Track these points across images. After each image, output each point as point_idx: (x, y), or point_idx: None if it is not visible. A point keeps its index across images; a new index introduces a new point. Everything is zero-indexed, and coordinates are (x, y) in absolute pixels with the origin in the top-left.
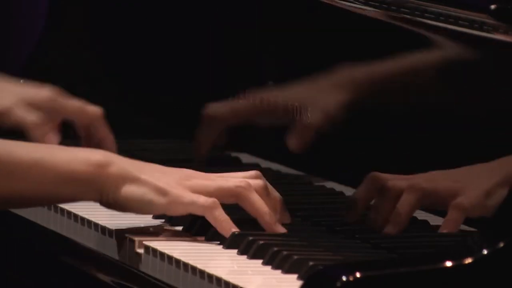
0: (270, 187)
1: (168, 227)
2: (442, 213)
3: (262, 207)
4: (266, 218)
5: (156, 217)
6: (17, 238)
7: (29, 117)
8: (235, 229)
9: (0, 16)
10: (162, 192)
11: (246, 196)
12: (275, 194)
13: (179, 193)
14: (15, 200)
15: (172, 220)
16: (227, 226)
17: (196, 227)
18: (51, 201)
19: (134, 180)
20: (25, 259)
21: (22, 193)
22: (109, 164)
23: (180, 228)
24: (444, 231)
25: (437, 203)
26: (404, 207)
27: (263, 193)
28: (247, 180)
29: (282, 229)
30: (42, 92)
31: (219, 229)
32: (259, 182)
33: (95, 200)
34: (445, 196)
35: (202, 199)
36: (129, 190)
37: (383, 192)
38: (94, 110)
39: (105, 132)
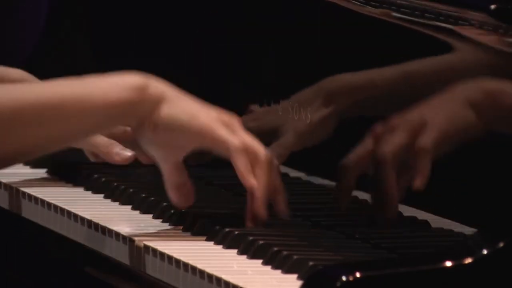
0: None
1: (167, 226)
2: (442, 213)
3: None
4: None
5: (155, 217)
6: (18, 238)
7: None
8: (253, 180)
9: (0, 16)
10: (196, 117)
11: (265, 168)
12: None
13: (213, 124)
14: (64, 139)
15: (171, 220)
16: (247, 174)
17: (196, 227)
18: (97, 132)
19: (171, 101)
20: (25, 259)
21: (73, 129)
22: (146, 85)
23: (179, 228)
24: (419, 180)
25: (410, 151)
26: (392, 141)
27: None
28: (271, 156)
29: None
30: None
31: (239, 174)
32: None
33: (136, 125)
34: (410, 144)
35: (235, 140)
36: (165, 110)
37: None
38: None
39: None
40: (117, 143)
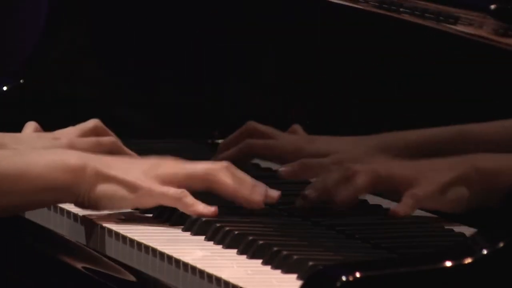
0: (235, 169)
1: (167, 226)
2: (442, 213)
3: (232, 184)
4: (240, 193)
5: (155, 216)
6: (17, 238)
7: None
8: (208, 208)
9: (0, 16)
10: (132, 187)
11: (215, 179)
12: (242, 174)
13: (149, 186)
14: (7, 207)
15: (171, 220)
16: (198, 208)
17: (196, 227)
18: (34, 208)
19: (105, 178)
20: (24, 258)
21: (8, 203)
22: (84, 167)
23: (179, 227)
24: (394, 214)
25: (391, 190)
26: (354, 187)
27: (230, 172)
28: (214, 164)
29: (259, 197)
30: (59, 143)
31: (192, 214)
32: (223, 163)
33: (72, 202)
34: (399, 184)
35: (172, 191)
36: (102, 189)
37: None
38: (107, 140)
39: (126, 154)
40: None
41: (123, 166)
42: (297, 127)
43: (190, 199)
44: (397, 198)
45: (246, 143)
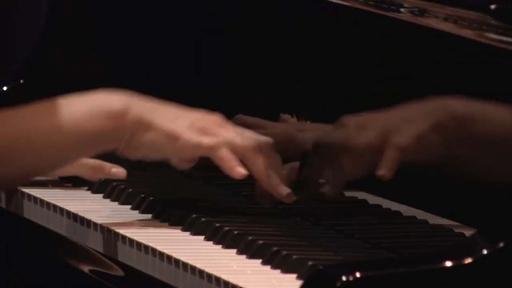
0: (273, 156)
1: (166, 226)
2: (442, 213)
3: (264, 169)
4: (267, 180)
5: (154, 216)
6: (16, 238)
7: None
8: (240, 169)
9: (0, 16)
10: (172, 136)
11: (251, 158)
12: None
13: (186, 136)
14: (43, 169)
15: (170, 219)
16: (231, 164)
17: (195, 227)
18: (77, 158)
19: (148, 125)
20: (24, 258)
21: (49, 161)
22: (126, 112)
23: (179, 227)
24: (381, 171)
25: (375, 153)
26: (338, 170)
27: (267, 154)
28: (257, 140)
29: (286, 190)
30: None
31: (224, 168)
32: (267, 141)
33: (113, 149)
34: (378, 146)
35: (206, 140)
36: (144, 137)
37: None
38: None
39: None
40: None
41: (168, 115)
42: (286, 116)
43: (224, 152)
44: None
45: (238, 117)
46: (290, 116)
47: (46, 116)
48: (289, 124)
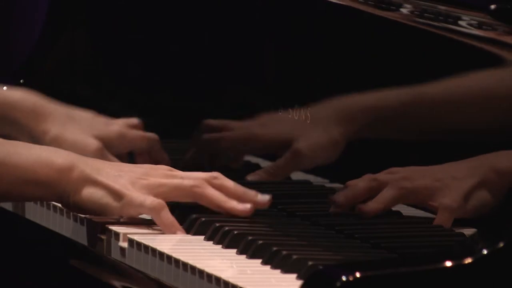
0: (227, 180)
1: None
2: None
3: (219, 198)
4: (226, 206)
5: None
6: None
7: None
8: (180, 231)
9: (0, 16)
10: (117, 195)
11: (202, 194)
12: (230, 183)
13: (131, 194)
14: None
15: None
16: (172, 227)
17: (195, 226)
18: (15, 199)
19: (93, 183)
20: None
21: None
22: (71, 168)
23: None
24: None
25: (416, 201)
26: (382, 199)
27: (219, 184)
28: (201, 176)
29: (245, 207)
30: (112, 128)
31: (164, 230)
32: (212, 175)
33: (57, 202)
34: (424, 195)
35: (148, 201)
36: (88, 193)
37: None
38: (153, 136)
39: (162, 154)
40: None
41: (112, 173)
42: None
43: (165, 214)
44: (416, 206)
45: (199, 140)
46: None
47: (5, 147)
48: (251, 122)
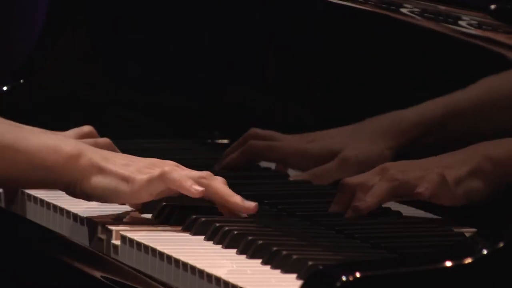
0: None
1: (166, 226)
2: (442, 213)
3: (224, 190)
4: (231, 199)
5: (154, 216)
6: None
7: None
8: (197, 186)
9: (0, 16)
10: (126, 179)
11: (208, 185)
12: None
13: (139, 178)
14: None
15: (170, 219)
16: (187, 184)
17: (195, 226)
18: (21, 185)
19: (100, 170)
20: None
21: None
22: (78, 155)
23: (178, 227)
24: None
25: (410, 194)
26: (376, 193)
27: (207, 184)
28: (208, 172)
29: (249, 205)
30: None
31: (181, 189)
32: (202, 174)
33: (63, 189)
34: (416, 186)
35: (156, 171)
36: (96, 180)
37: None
38: (104, 141)
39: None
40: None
41: (120, 162)
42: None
43: (176, 174)
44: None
45: (249, 144)
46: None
47: (4, 131)
48: (300, 136)
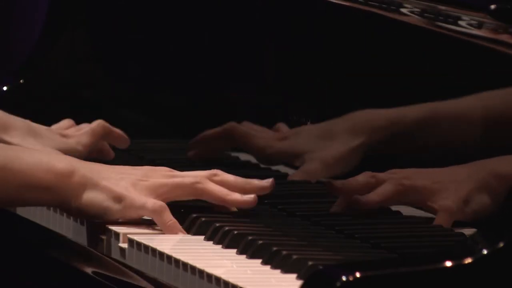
0: (223, 174)
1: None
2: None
3: (220, 192)
4: (228, 199)
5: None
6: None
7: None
8: (182, 232)
9: (0, 16)
10: (118, 198)
11: (203, 189)
12: (231, 177)
13: (132, 197)
14: None
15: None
16: (173, 229)
17: (195, 226)
18: (15, 204)
19: (94, 186)
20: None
21: None
22: (71, 173)
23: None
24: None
25: (413, 201)
26: (380, 192)
27: (219, 180)
28: (201, 173)
29: (249, 198)
30: (69, 140)
31: (165, 232)
32: (212, 172)
33: (58, 207)
34: (423, 194)
35: (150, 203)
36: (88, 197)
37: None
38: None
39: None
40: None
41: (113, 176)
42: (281, 125)
43: (166, 216)
44: (415, 206)
45: (230, 124)
46: (285, 125)
47: (5, 152)
48: (277, 133)
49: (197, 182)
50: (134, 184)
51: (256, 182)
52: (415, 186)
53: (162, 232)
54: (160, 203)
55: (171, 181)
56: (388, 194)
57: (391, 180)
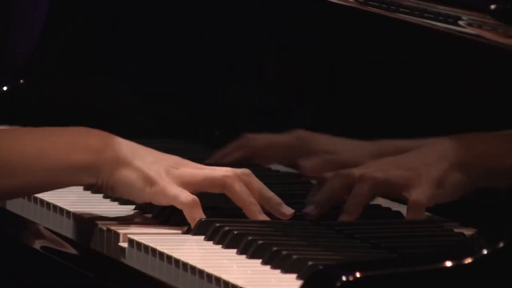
0: (257, 181)
1: (167, 226)
2: (442, 213)
3: (246, 196)
4: (250, 207)
5: (155, 216)
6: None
7: None
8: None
9: (0, 16)
10: (150, 181)
11: (232, 186)
12: (259, 184)
13: (165, 184)
14: (19, 191)
15: (170, 220)
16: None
17: (195, 227)
18: (52, 188)
19: (127, 165)
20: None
21: (25, 184)
22: (106, 148)
23: (179, 227)
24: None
25: (390, 192)
26: (356, 197)
27: (248, 181)
28: (233, 170)
29: (265, 218)
30: None
31: (193, 226)
32: (244, 171)
33: (91, 185)
34: (397, 185)
35: (183, 196)
36: (122, 175)
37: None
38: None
39: None
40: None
41: (147, 158)
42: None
43: (197, 211)
44: (395, 198)
45: (245, 137)
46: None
47: (28, 139)
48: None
49: (227, 176)
50: (167, 170)
51: (278, 203)
52: (389, 178)
53: (162, 232)
54: (193, 197)
55: (201, 172)
56: (365, 194)
57: (363, 177)
